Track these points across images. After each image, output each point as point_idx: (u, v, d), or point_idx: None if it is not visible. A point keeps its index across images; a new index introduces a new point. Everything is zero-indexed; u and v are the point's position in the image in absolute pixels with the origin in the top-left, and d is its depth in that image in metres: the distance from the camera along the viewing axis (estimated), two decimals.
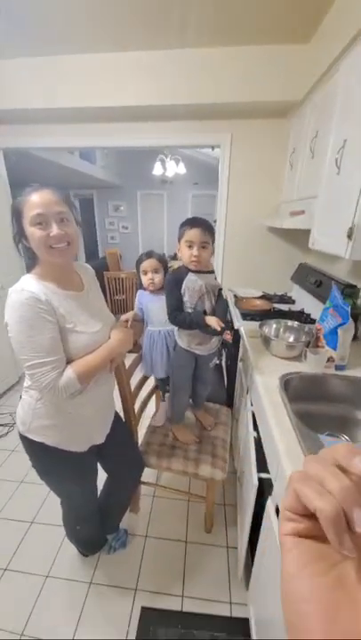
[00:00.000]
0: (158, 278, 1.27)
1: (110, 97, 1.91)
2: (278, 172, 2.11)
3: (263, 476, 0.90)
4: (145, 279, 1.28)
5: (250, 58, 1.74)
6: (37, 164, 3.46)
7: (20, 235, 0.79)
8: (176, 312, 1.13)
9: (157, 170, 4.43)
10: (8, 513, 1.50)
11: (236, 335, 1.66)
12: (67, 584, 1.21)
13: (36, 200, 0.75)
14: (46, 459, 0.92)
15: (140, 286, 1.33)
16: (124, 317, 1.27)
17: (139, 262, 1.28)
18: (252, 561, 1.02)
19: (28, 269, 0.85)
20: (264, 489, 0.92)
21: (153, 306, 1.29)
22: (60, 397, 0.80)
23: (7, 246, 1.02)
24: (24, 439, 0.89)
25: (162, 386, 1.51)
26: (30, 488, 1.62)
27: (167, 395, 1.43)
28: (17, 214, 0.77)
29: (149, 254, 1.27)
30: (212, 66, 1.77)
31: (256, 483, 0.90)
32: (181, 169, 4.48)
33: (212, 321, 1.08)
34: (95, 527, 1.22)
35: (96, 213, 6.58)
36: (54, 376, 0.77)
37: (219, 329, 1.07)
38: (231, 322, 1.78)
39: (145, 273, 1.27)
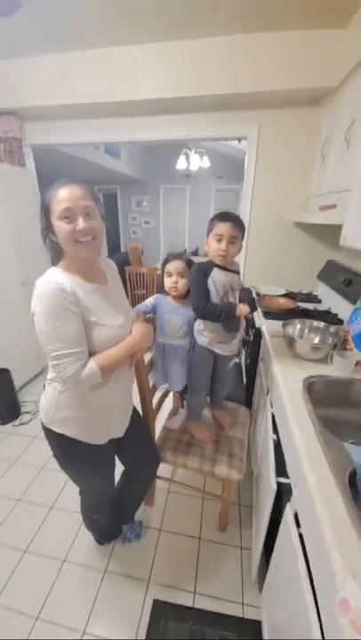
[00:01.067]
0: (182, 283, 1.16)
1: (135, 90, 1.89)
2: (308, 164, 2.02)
3: (282, 480, 0.88)
4: (168, 282, 1.18)
5: (282, 44, 1.66)
6: (64, 160, 3.54)
7: (47, 229, 0.81)
8: (206, 301, 1.08)
9: (181, 164, 4.39)
10: (29, 497, 1.56)
11: (257, 334, 1.62)
12: (83, 570, 1.25)
13: (64, 195, 0.76)
14: (67, 450, 0.94)
15: (161, 288, 1.23)
16: (140, 310, 1.20)
17: (165, 262, 1.19)
18: (267, 564, 1.00)
19: (54, 264, 0.86)
20: (282, 493, 0.89)
21: (171, 317, 1.19)
22: (82, 389, 0.82)
23: (33, 243, 1.04)
24: (46, 430, 0.91)
25: (182, 391, 1.42)
26: (51, 475, 1.68)
27: (185, 402, 1.39)
28: (45, 209, 0.79)
29: (178, 256, 1.17)
30: (242, 54, 1.71)
31: (274, 487, 0.88)
32: (205, 162, 4.41)
33: (244, 309, 1.07)
34: (112, 517, 1.24)
35: (119, 208, 6.66)
36: (78, 367, 0.78)
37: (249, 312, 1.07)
38: (253, 319, 1.73)
39: (169, 275, 1.17)
